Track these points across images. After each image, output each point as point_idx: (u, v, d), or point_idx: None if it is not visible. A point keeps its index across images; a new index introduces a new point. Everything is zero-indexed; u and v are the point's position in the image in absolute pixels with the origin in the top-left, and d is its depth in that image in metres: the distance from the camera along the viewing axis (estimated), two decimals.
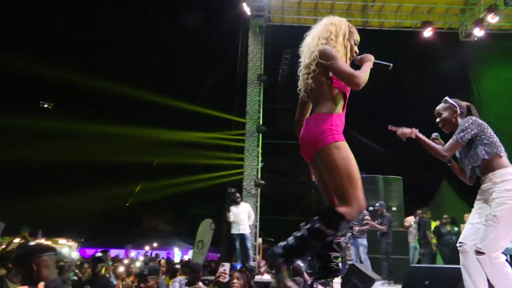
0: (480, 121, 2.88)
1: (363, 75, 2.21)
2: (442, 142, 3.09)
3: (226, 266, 5.38)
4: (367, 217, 8.21)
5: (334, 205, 2.19)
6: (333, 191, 2.20)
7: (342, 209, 2.11)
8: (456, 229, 9.55)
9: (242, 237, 8.15)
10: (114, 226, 25.01)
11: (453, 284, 2.57)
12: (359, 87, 2.18)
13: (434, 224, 9.83)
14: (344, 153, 2.17)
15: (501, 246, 2.57)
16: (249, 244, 8.26)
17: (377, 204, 8.62)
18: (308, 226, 2.17)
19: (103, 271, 6.69)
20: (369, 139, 15.42)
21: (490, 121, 9.86)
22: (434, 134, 3.20)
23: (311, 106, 2.43)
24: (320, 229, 2.10)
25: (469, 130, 2.84)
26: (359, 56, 2.41)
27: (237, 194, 8.40)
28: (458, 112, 3.04)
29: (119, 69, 22.27)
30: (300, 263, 6.29)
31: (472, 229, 2.83)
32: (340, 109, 2.29)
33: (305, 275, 5.63)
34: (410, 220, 9.88)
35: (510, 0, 9.55)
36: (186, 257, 20.17)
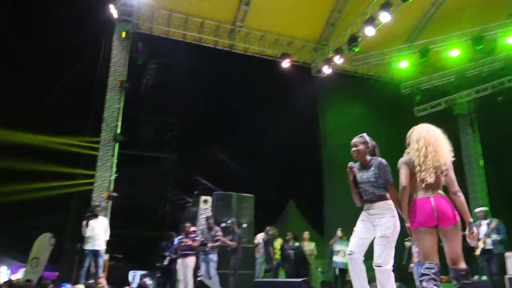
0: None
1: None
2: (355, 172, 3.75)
3: None
4: (219, 233, 8.38)
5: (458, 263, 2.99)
6: (458, 253, 2.98)
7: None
8: (297, 244, 10.31)
9: (96, 253, 7.74)
10: None
11: None
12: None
13: (279, 241, 10.45)
14: None
15: (391, 259, 3.39)
16: (101, 262, 7.83)
17: (229, 221, 8.94)
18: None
19: None
20: (229, 158, 15.91)
21: (331, 150, 11.15)
22: (351, 164, 3.85)
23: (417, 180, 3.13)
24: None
25: (388, 171, 3.62)
26: None
27: (99, 208, 8.00)
28: (368, 148, 3.78)
29: None
30: (147, 280, 6.10)
31: (360, 242, 3.58)
32: None
33: None
34: (260, 237, 10.38)
35: (352, 47, 11.04)
36: (15, 276, 17.53)
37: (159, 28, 11.98)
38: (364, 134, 3.89)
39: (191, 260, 8.09)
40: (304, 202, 14.82)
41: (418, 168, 3.13)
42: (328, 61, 12.28)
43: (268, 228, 10.23)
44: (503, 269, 10.85)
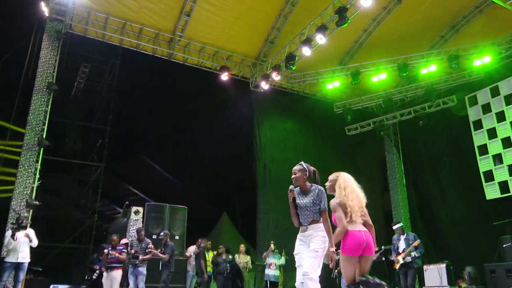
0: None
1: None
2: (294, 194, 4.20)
3: None
4: (151, 245, 8.16)
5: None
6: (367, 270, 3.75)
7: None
8: (230, 257, 10.34)
9: (18, 266, 7.25)
10: None
11: None
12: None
13: (211, 253, 10.42)
14: None
15: (318, 270, 3.91)
16: (22, 276, 7.32)
17: (162, 234, 8.75)
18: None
19: None
20: (162, 168, 15.60)
21: (266, 162, 11.36)
22: (292, 187, 4.25)
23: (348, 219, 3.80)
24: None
25: (325, 198, 4.08)
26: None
27: (26, 221, 7.53)
28: (307, 175, 4.18)
29: None
30: None
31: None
32: None
33: None
34: (191, 250, 10.24)
35: (289, 65, 11.45)
36: None
37: (94, 30, 11.56)
38: (302, 163, 4.27)
39: (117, 274, 7.75)
40: (238, 214, 14.90)
41: (348, 209, 3.83)
42: (266, 77, 12.60)
43: (200, 240, 10.15)
44: (420, 282, 11.68)
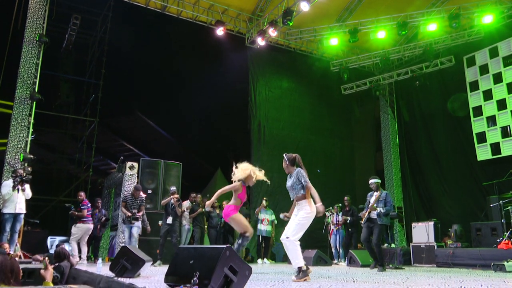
0: (304, 172, 4.95)
1: None
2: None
3: None
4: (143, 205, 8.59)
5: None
6: None
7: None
8: None
9: (16, 217, 7.54)
10: None
11: (213, 262, 2.92)
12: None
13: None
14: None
15: (298, 236, 4.72)
16: (18, 227, 7.62)
17: (172, 188, 8.98)
18: None
19: None
20: (157, 124, 15.53)
21: (261, 120, 11.42)
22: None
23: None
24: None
25: (305, 177, 4.88)
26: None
27: (30, 176, 7.91)
28: (287, 163, 5.11)
29: None
30: (66, 246, 5.92)
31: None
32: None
33: (71, 258, 5.36)
34: (185, 204, 10.44)
35: (286, 20, 11.15)
36: None
37: None
38: (284, 155, 5.15)
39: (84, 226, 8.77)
40: (232, 171, 14.91)
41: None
42: (262, 33, 12.35)
43: (193, 195, 10.32)
44: (408, 238, 12.03)
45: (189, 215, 10.15)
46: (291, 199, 5.06)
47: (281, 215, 5.27)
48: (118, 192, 10.59)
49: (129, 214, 8.14)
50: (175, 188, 8.95)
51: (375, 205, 7.13)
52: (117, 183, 10.62)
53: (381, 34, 12.39)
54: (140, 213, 8.29)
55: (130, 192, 8.62)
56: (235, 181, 5.61)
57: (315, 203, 4.75)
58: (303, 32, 13.44)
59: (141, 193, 8.54)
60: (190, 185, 12.41)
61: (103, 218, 9.91)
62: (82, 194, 9.00)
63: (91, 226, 8.84)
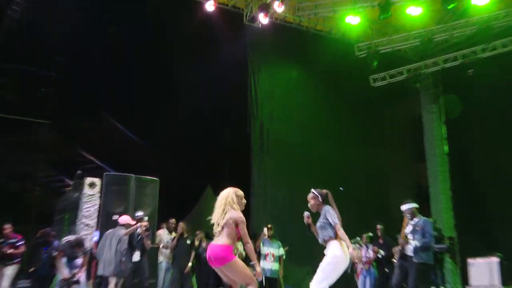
0: (333, 211, 5.61)
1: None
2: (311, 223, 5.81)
3: None
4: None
5: None
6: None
7: None
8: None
9: None
10: None
11: None
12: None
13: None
14: None
15: (325, 282, 5.34)
16: None
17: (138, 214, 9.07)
18: None
19: None
20: (127, 128, 15.47)
21: (264, 122, 11.40)
22: (306, 213, 5.79)
23: None
24: None
25: (334, 216, 5.50)
26: None
27: None
28: (320, 201, 5.69)
29: None
30: None
31: None
32: None
33: None
34: (162, 234, 10.44)
35: None
36: None
37: None
38: (313, 190, 5.78)
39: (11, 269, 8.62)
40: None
41: None
42: (266, 8, 12.38)
43: (171, 221, 10.58)
44: (464, 280, 11.80)
45: (169, 248, 10.06)
46: (320, 243, 5.68)
47: (305, 216, 5.76)
48: (73, 218, 10.49)
49: (66, 276, 7.61)
50: (142, 214, 8.95)
51: (409, 236, 7.08)
52: (73, 206, 10.54)
53: (418, 9, 12.37)
54: (80, 275, 7.84)
55: (70, 242, 7.99)
56: (230, 218, 5.17)
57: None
58: (319, 7, 13.48)
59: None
60: (170, 208, 12.34)
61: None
62: (8, 227, 8.85)
63: None
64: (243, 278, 5.13)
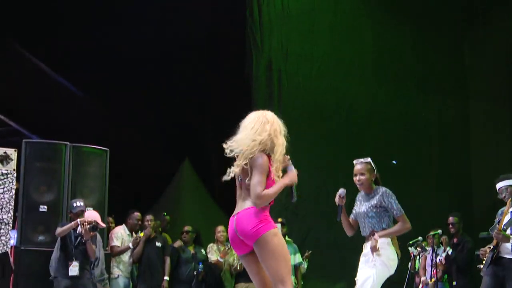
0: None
1: (269, 195, 4.20)
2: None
3: None
4: None
5: None
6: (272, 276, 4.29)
7: None
8: (203, 251, 10.51)
9: None
10: None
11: None
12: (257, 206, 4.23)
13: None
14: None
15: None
16: None
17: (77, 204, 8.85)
18: None
19: None
20: (59, 72, 15.14)
21: (273, 59, 11.02)
22: (342, 191, 5.73)
23: None
24: None
25: (397, 202, 5.68)
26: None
27: None
28: (375, 176, 5.82)
29: None
30: None
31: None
32: None
33: None
34: (118, 233, 10.18)
35: None
36: None
37: None
38: (369, 159, 5.82)
39: None
40: (210, 163, 15.10)
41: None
42: None
43: (135, 214, 10.14)
44: None
45: (131, 255, 9.97)
46: (362, 235, 5.84)
47: (340, 194, 5.70)
48: None
49: None
50: (82, 204, 8.69)
51: (505, 228, 6.94)
52: None
53: None
54: None
55: None
56: (249, 153, 4.34)
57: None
58: None
59: None
60: (128, 193, 12.37)
61: None
62: None
63: None
64: (275, 267, 4.15)
